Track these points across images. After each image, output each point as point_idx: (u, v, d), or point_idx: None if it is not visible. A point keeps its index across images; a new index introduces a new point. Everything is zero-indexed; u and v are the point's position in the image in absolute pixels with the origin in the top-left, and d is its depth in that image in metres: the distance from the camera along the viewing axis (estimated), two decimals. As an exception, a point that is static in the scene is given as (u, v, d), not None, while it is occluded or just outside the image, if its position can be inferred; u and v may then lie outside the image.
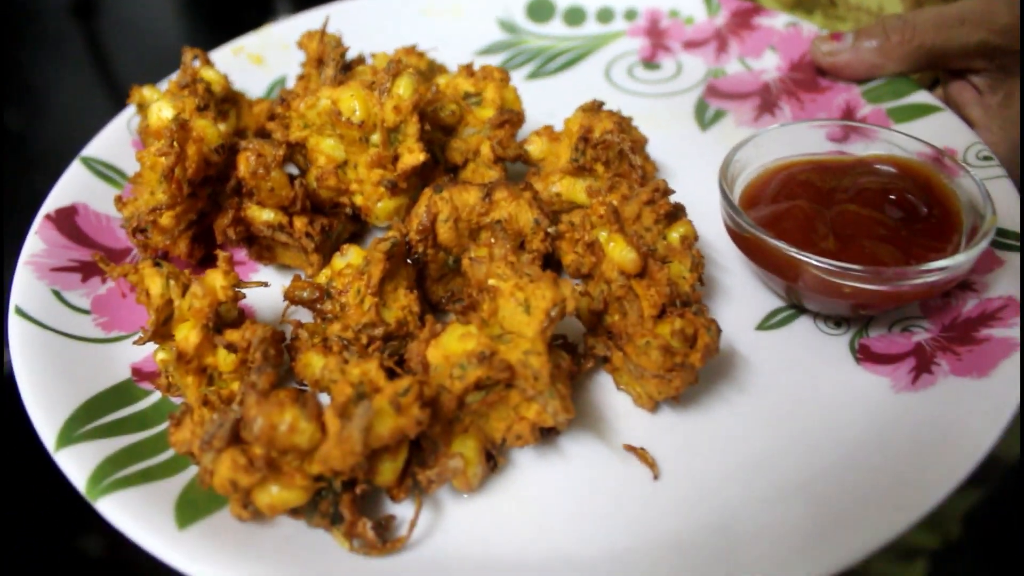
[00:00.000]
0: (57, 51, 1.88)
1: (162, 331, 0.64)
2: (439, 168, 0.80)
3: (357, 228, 0.80)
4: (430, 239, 0.68)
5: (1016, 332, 0.64)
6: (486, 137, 0.78)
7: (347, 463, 0.53)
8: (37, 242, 0.76)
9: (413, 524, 0.57)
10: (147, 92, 0.84)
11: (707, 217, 0.77)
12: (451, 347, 0.59)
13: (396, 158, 0.72)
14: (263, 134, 0.85)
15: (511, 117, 0.78)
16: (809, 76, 0.94)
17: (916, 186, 0.72)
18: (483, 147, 0.78)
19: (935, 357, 0.66)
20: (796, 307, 0.73)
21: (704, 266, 0.68)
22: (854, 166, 0.75)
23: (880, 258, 0.66)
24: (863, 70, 0.90)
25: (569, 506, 0.60)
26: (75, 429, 0.61)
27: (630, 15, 1.05)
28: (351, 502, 0.56)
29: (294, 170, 0.81)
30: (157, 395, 0.68)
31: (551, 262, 0.72)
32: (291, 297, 0.69)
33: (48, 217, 0.78)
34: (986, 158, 0.79)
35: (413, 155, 0.71)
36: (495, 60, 1.03)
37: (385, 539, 0.57)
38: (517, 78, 1.00)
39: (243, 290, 0.66)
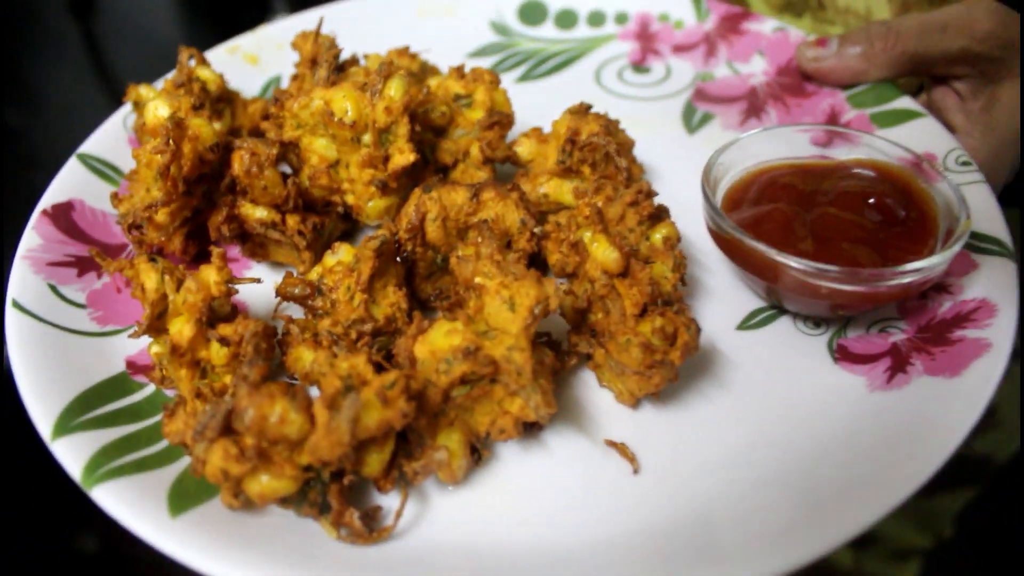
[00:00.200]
0: (55, 49, 1.89)
1: (156, 325, 0.66)
2: (429, 168, 0.81)
3: (348, 226, 0.82)
4: (419, 238, 0.70)
5: (988, 333, 0.66)
6: (475, 138, 0.79)
7: (335, 454, 0.55)
8: (34, 237, 0.77)
9: (399, 514, 0.59)
10: (143, 90, 0.86)
11: (692, 218, 0.79)
12: (438, 342, 0.61)
13: (387, 158, 0.74)
14: (257, 133, 0.87)
15: (500, 119, 0.79)
16: (795, 80, 0.96)
17: (895, 190, 0.74)
18: (473, 148, 0.79)
19: (910, 357, 0.68)
20: (776, 307, 0.75)
21: (686, 266, 0.69)
22: (835, 170, 0.77)
23: (857, 260, 0.68)
24: (847, 76, 0.92)
25: (551, 498, 0.62)
26: (71, 420, 0.63)
27: (621, 19, 1.07)
28: (339, 492, 0.58)
29: (287, 169, 0.82)
30: (151, 388, 0.69)
31: (537, 261, 0.74)
32: (283, 293, 0.70)
33: (45, 213, 0.80)
34: (965, 163, 0.80)
35: (403, 155, 0.73)
36: (487, 62, 1.04)
37: (371, 528, 0.59)
38: (508, 80, 1.01)
39: (236, 286, 0.67)
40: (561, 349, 0.68)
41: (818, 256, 0.68)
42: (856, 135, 0.79)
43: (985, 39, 0.85)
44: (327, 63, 0.79)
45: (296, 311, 0.73)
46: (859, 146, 0.79)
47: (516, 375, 0.59)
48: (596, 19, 1.07)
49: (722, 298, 0.76)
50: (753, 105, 0.96)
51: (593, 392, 0.69)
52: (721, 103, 0.97)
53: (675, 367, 0.63)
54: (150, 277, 0.65)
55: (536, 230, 0.70)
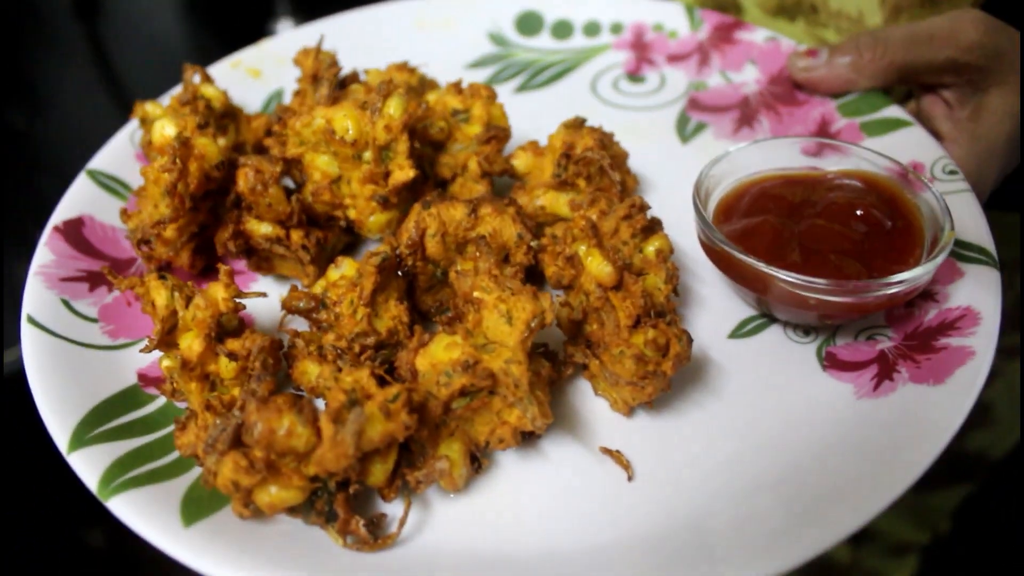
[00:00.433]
0: (60, 52, 1.90)
1: (167, 340, 0.68)
2: (429, 182, 0.83)
3: (351, 240, 0.84)
4: (419, 252, 0.72)
5: (971, 341, 0.68)
6: (473, 153, 0.82)
7: (340, 465, 0.57)
8: (46, 253, 0.80)
9: (403, 522, 0.61)
10: (149, 107, 0.88)
11: (686, 228, 0.81)
12: (438, 356, 0.63)
13: (387, 174, 0.76)
14: (261, 148, 0.89)
15: (497, 133, 0.82)
16: (787, 89, 0.98)
17: (882, 201, 0.76)
18: (471, 162, 0.82)
19: (897, 365, 0.70)
20: (767, 316, 0.77)
21: (679, 278, 0.71)
22: (824, 181, 0.79)
23: (845, 271, 0.70)
24: (837, 85, 0.93)
25: (549, 504, 0.64)
26: (86, 433, 0.65)
27: (616, 28, 1.08)
28: (345, 501, 0.60)
29: (290, 182, 0.85)
30: (162, 399, 0.72)
31: (534, 273, 0.76)
32: (288, 306, 0.72)
33: (56, 229, 0.82)
34: (951, 172, 0.82)
35: (403, 171, 0.75)
36: (485, 73, 1.06)
37: (376, 536, 0.61)
38: (506, 91, 1.03)
39: (243, 300, 0.70)
40: (558, 359, 0.71)
41: (806, 267, 0.70)
42: (845, 146, 0.81)
43: (971, 49, 0.86)
44: (328, 81, 0.82)
45: (301, 323, 0.76)
46: (848, 156, 0.81)
47: (513, 387, 0.61)
48: (591, 29, 1.09)
49: (714, 307, 0.78)
50: (746, 114, 0.98)
51: (589, 401, 0.71)
52: (714, 112, 0.99)
53: (667, 378, 0.65)
54: (160, 294, 0.68)
55: (533, 244, 0.73)
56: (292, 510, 0.61)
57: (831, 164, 0.81)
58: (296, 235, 0.77)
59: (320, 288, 0.73)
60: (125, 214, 0.81)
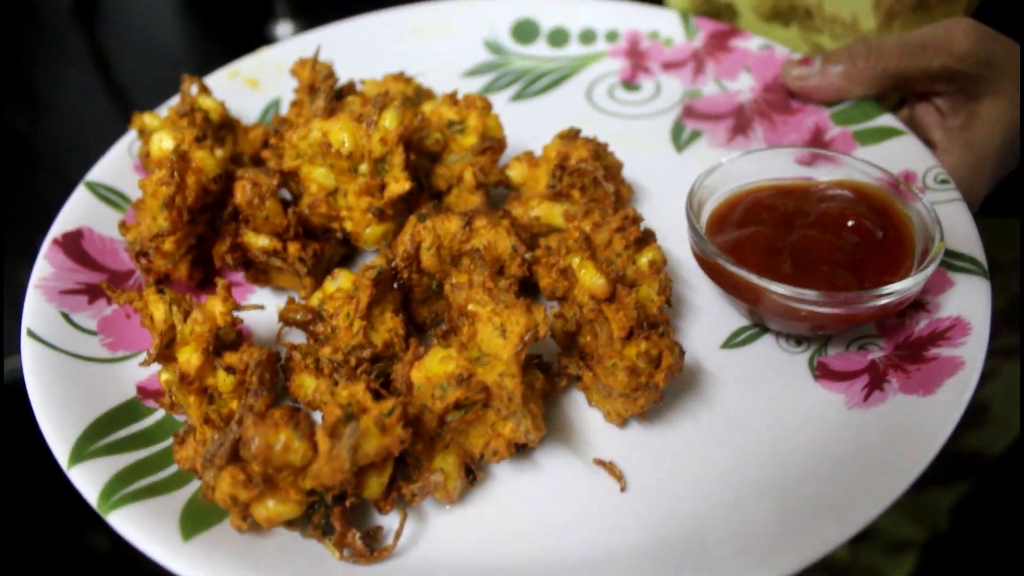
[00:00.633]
0: (59, 52, 1.91)
1: (165, 354, 0.69)
2: (424, 194, 0.84)
3: (347, 252, 0.85)
4: (414, 265, 0.73)
5: (961, 351, 0.69)
6: (469, 164, 0.82)
7: (337, 479, 0.58)
8: (46, 266, 0.80)
9: (398, 534, 0.62)
10: (148, 119, 0.89)
11: (679, 237, 0.81)
12: (433, 369, 0.64)
13: (383, 187, 0.77)
14: (258, 159, 0.90)
15: (492, 144, 0.82)
16: (781, 97, 0.99)
17: (873, 211, 0.76)
18: (466, 173, 0.82)
19: (887, 375, 0.71)
20: (759, 326, 0.77)
21: (671, 289, 0.72)
22: (816, 191, 0.79)
23: (836, 282, 0.70)
24: (831, 93, 0.94)
25: (543, 516, 0.65)
26: (86, 447, 0.66)
27: (611, 36, 1.09)
28: (341, 514, 0.61)
29: (287, 195, 0.85)
30: (161, 412, 0.72)
31: (529, 284, 0.77)
32: (286, 318, 0.73)
33: (55, 241, 0.83)
34: (943, 181, 0.83)
35: (399, 184, 0.76)
36: (481, 81, 1.07)
37: (373, 548, 0.62)
38: (502, 99, 1.04)
39: (240, 313, 0.70)
40: (552, 370, 0.71)
41: (798, 278, 0.70)
42: (838, 156, 0.81)
43: (964, 57, 0.87)
44: (324, 93, 0.82)
45: (299, 335, 0.76)
46: (841, 166, 0.81)
47: (507, 401, 0.62)
48: (587, 37, 1.10)
49: (707, 317, 0.79)
50: (740, 122, 0.98)
51: (583, 412, 0.72)
52: (709, 120, 1.00)
53: (659, 390, 0.66)
54: (158, 308, 0.68)
55: (527, 256, 0.73)
56: (290, 523, 0.62)
57: (824, 174, 0.82)
58: (293, 247, 0.78)
59: (317, 300, 0.74)
60: (124, 226, 0.81)
